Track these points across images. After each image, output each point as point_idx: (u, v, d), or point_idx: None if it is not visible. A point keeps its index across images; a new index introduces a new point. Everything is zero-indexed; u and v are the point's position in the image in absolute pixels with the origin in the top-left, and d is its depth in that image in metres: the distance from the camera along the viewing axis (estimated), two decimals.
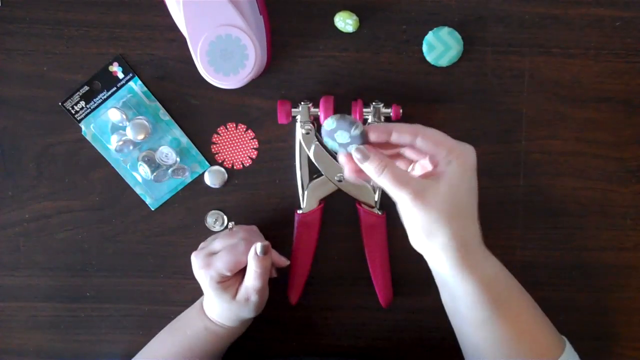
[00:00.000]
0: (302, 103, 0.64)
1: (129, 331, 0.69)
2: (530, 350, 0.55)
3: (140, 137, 0.65)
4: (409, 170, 0.56)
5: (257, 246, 0.58)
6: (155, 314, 0.69)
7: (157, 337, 0.65)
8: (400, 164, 0.56)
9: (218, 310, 0.61)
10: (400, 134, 0.52)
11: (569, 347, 0.57)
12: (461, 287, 0.54)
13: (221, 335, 0.62)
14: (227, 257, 0.58)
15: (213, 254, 0.60)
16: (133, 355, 0.65)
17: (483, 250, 0.55)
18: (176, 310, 0.67)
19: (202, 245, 0.63)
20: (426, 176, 0.53)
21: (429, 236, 0.52)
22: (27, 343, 0.69)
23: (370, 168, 0.52)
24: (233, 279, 0.60)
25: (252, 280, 0.59)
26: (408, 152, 0.56)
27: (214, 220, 0.67)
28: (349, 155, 0.53)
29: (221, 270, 0.58)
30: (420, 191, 0.51)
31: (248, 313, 0.61)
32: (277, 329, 0.69)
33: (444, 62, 0.64)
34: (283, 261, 0.62)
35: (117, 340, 0.69)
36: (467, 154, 0.53)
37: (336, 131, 0.53)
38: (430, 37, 0.63)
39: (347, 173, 0.54)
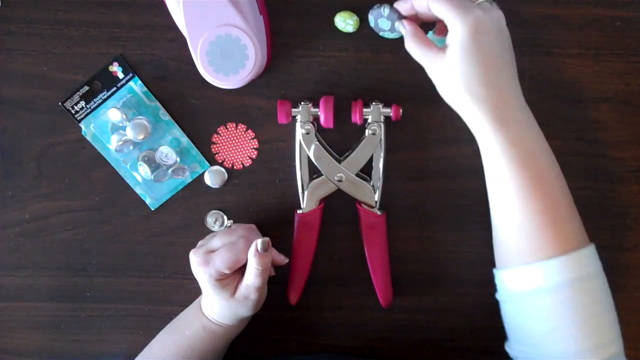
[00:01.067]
0: (302, 103, 0.64)
1: (129, 331, 0.69)
2: (547, 227, 0.55)
3: (140, 137, 0.65)
4: None
5: (258, 242, 0.58)
6: (155, 314, 0.69)
7: (156, 338, 0.65)
8: None
9: (216, 308, 0.61)
10: (417, 1, 0.57)
11: (593, 249, 0.56)
12: (480, 141, 0.57)
13: (219, 334, 0.62)
14: (227, 255, 0.58)
15: (212, 251, 0.60)
16: (133, 356, 0.65)
17: (513, 117, 0.55)
18: (176, 310, 0.67)
19: (200, 243, 0.63)
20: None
21: (448, 98, 0.58)
22: (27, 343, 0.69)
23: (406, 41, 0.59)
24: (232, 276, 0.60)
25: (252, 278, 0.59)
26: None
27: (214, 220, 0.67)
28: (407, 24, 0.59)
29: (220, 268, 0.58)
30: (431, 58, 0.57)
31: (246, 311, 0.61)
32: (277, 329, 0.69)
33: None
34: (282, 259, 0.62)
35: (117, 340, 0.69)
36: (461, 18, 0.54)
37: (378, 20, 0.61)
38: (430, 37, 0.63)
39: (407, 39, 0.59)
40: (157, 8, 0.64)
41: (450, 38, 0.55)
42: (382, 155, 0.64)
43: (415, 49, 0.58)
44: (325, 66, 0.65)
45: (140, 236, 0.68)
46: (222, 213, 0.67)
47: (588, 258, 0.56)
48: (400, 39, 0.61)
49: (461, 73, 0.55)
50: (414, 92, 0.65)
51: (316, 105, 0.63)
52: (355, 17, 0.64)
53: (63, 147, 0.67)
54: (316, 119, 0.64)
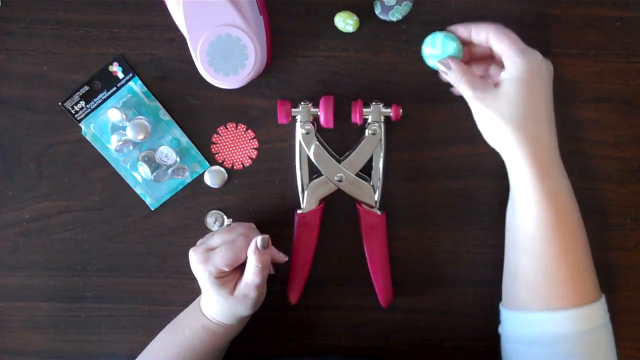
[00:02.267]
0: (302, 103, 0.64)
1: (129, 331, 0.69)
2: (569, 276, 0.57)
3: (140, 137, 0.65)
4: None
5: (258, 240, 0.58)
6: (155, 314, 0.69)
7: (156, 338, 0.65)
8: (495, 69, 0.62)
9: (215, 307, 0.61)
10: (477, 32, 0.59)
11: (604, 302, 0.58)
12: (524, 188, 0.57)
13: (219, 333, 0.62)
14: (226, 252, 0.58)
15: (211, 249, 0.60)
16: (133, 356, 0.65)
17: (554, 158, 0.58)
18: (176, 310, 0.67)
19: (200, 241, 0.63)
20: (496, 81, 0.58)
21: (493, 130, 0.58)
22: (27, 343, 0.69)
23: (452, 76, 0.59)
24: (231, 274, 0.60)
25: (251, 276, 0.59)
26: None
27: (214, 220, 0.67)
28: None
29: (220, 265, 0.58)
30: (482, 94, 0.57)
31: (245, 310, 0.61)
32: (277, 329, 0.69)
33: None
34: (281, 257, 0.62)
35: (117, 340, 0.69)
36: (526, 58, 0.56)
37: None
38: (426, 47, 0.61)
39: (456, 76, 0.59)
40: (157, 8, 0.64)
41: (507, 74, 0.56)
42: (382, 155, 0.64)
43: (465, 85, 0.58)
44: (325, 66, 0.65)
45: (140, 236, 0.68)
46: (222, 213, 0.67)
47: (603, 309, 0.58)
48: (401, 23, 0.61)
49: (514, 110, 0.56)
50: (414, 92, 0.65)
51: (316, 105, 0.63)
52: (355, 17, 0.64)
53: (63, 147, 0.67)
54: (316, 119, 0.64)
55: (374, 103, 0.63)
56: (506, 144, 0.57)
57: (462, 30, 0.60)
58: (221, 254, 0.58)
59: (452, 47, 0.60)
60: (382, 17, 0.63)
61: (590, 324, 0.56)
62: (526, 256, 0.58)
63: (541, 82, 0.57)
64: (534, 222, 0.57)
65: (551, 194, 0.56)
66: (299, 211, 0.65)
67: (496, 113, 0.57)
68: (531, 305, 0.58)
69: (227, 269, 0.59)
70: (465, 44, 0.61)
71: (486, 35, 0.58)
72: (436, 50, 0.60)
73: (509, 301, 0.61)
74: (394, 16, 0.63)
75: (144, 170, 0.66)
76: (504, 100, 0.56)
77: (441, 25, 0.64)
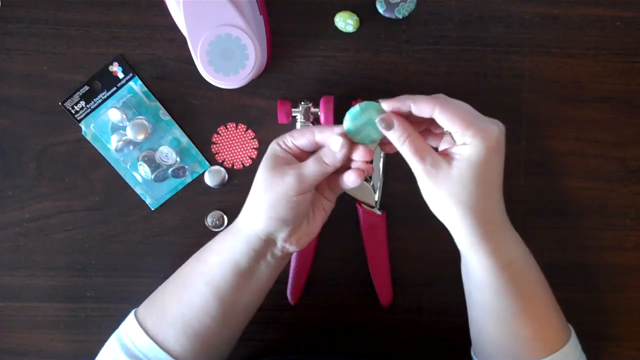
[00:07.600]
0: (302, 103, 0.64)
1: None
2: (535, 333, 0.55)
3: (140, 137, 0.65)
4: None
5: (338, 141, 0.52)
6: None
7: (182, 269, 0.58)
8: (432, 141, 0.57)
9: (253, 190, 0.54)
10: (418, 105, 0.52)
11: (574, 338, 0.57)
12: (476, 262, 0.54)
13: (251, 241, 0.55)
14: (300, 129, 0.55)
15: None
16: None
17: (505, 229, 0.54)
18: None
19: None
20: (446, 153, 0.52)
21: (443, 211, 0.53)
22: (27, 343, 0.69)
23: (393, 136, 0.52)
24: (293, 165, 0.54)
25: (311, 161, 0.52)
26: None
27: (214, 220, 0.67)
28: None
29: (289, 134, 0.54)
30: (433, 171, 0.51)
31: (273, 208, 0.52)
32: (277, 329, 0.69)
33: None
34: (352, 180, 0.54)
35: None
36: (484, 135, 0.50)
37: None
38: (353, 113, 0.54)
39: (404, 143, 0.52)
40: (157, 8, 0.64)
41: (463, 154, 0.50)
42: (382, 155, 0.64)
43: (411, 152, 0.51)
44: (325, 66, 0.65)
45: (140, 236, 0.68)
46: (222, 213, 0.67)
47: (573, 347, 0.57)
48: (402, 23, 0.60)
49: (469, 194, 0.50)
50: (414, 92, 0.65)
51: (316, 105, 0.63)
52: (355, 17, 0.64)
53: (63, 147, 0.67)
54: (316, 119, 0.64)
55: None
56: (456, 223, 0.52)
57: (399, 104, 0.52)
58: (297, 130, 0.55)
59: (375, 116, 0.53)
60: (386, 15, 0.63)
61: None
62: (488, 319, 0.56)
63: (499, 158, 0.52)
64: (490, 290, 0.54)
65: (505, 265, 0.53)
66: None
67: (448, 196, 0.51)
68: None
69: (292, 139, 0.54)
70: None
71: (430, 111, 0.51)
72: (357, 122, 0.53)
73: (479, 352, 0.60)
74: (400, 13, 0.63)
75: (144, 170, 0.66)
76: (459, 183, 0.50)
77: (441, 24, 0.64)
